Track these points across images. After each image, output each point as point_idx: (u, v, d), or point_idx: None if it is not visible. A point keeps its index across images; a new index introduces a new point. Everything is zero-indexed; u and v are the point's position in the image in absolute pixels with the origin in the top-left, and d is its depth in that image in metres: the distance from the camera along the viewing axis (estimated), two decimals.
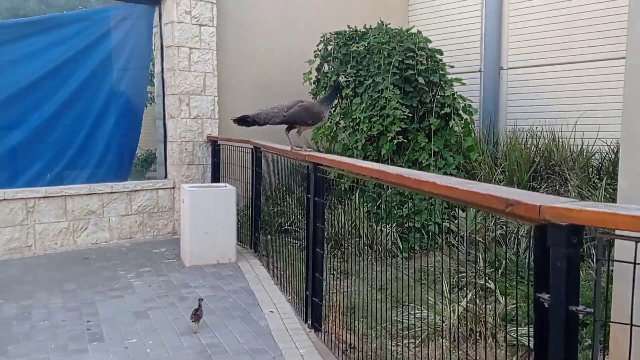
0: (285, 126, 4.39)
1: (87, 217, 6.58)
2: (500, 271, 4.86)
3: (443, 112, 6.39)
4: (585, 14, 7.30)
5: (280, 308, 4.42)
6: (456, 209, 6.06)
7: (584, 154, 6.36)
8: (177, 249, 6.28)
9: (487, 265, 5.03)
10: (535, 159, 6.50)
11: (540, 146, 6.75)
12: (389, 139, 6.39)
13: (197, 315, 3.94)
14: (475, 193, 1.88)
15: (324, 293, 3.94)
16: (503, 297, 4.46)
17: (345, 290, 4.70)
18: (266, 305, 4.48)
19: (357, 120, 6.67)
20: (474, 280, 4.80)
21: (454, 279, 4.90)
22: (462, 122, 6.51)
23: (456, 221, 5.89)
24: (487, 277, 4.80)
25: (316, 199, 3.78)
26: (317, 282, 3.83)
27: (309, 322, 3.96)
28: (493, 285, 4.65)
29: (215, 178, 7.15)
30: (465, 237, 5.28)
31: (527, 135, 7.13)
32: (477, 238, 5.24)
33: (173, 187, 7.12)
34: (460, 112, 6.58)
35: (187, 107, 7.01)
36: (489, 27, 8.30)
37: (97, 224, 6.67)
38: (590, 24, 7.25)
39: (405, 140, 6.47)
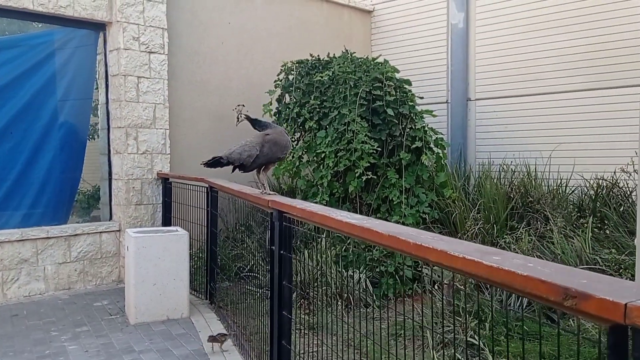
0: None
1: (18, 266, 5.80)
2: (487, 324, 4.37)
3: (414, 146, 5.96)
4: (553, 44, 7.09)
5: None
6: None
7: (563, 189, 6.02)
8: (121, 301, 5.56)
9: (470, 317, 4.54)
10: (511, 195, 6.13)
11: (514, 181, 6.39)
12: (357, 175, 5.91)
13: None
14: (511, 274, 1.37)
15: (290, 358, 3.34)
16: (492, 356, 3.96)
17: (315, 350, 4.11)
18: None
19: (322, 155, 6.17)
20: (458, 335, 4.29)
21: (435, 334, 4.38)
22: (434, 156, 6.09)
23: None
24: (472, 332, 4.31)
25: (282, 252, 3.21)
26: (284, 352, 3.23)
27: None
28: (479, 342, 4.16)
29: (167, 219, 6.48)
30: (451, 285, 4.79)
31: (500, 169, 6.78)
32: (458, 285, 4.75)
33: (119, 230, 6.41)
34: (432, 145, 6.17)
35: (135, 141, 6.37)
36: (455, 57, 8.02)
37: (31, 274, 5.88)
38: (559, 54, 7.03)
39: (375, 177, 5.99)
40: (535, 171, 6.36)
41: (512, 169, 6.59)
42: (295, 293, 5.39)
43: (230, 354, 4.21)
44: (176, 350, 4.31)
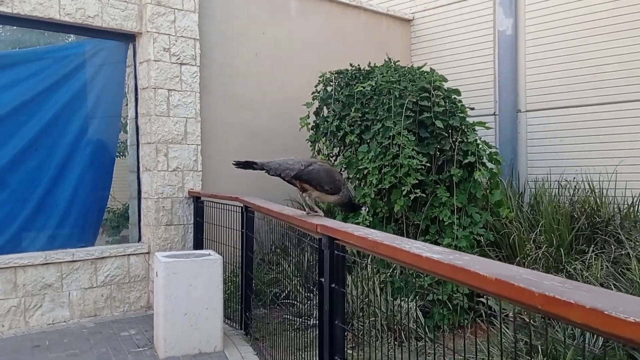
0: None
1: (42, 291, 5.44)
2: None
3: (466, 161, 5.44)
4: (614, 50, 6.51)
5: None
6: None
7: (636, 208, 5.42)
8: (150, 330, 5.14)
9: (538, 356, 3.98)
10: (574, 215, 5.54)
11: (577, 200, 5.80)
12: (403, 193, 5.41)
13: None
14: None
15: None
16: None
17: None
18: None
19: (365, 172, 5.69)
20: None
21: None
22: (488, 172, 5.55)
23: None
24: None
25: (333, 285, 2.74)
26: None
27: None
28: None
29: (198, 240, 6.07)
30: (513, 319, 4.23)
31: (557, 186, 6.19)
32: (525, 318, 4.19)
33: (148, 252, 6.02)
34: (485, 160, 5.64)
35: (165, 157, 6.00)
36: (503, 66, 7.50)
37: (55, 300, 5.52)
38: (621, 60, 6.45)
39: (423, 195, 5.48)
40: (600, 188, 5.75)
41: (572, 186, 6.00)
42: None
43: None
44: None
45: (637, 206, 5.48)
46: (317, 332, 4.57)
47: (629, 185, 5.85)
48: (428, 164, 5.48)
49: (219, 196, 5.66)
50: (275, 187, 6.79)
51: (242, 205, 5.18)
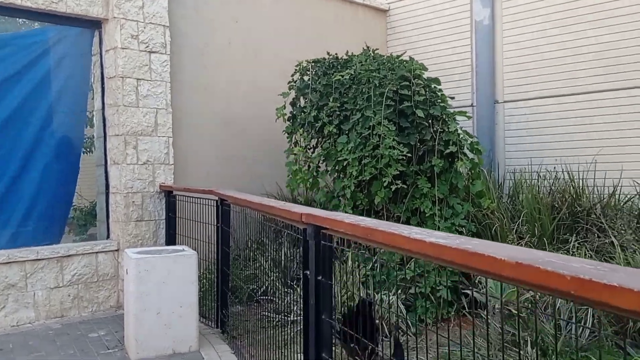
0: None
1: (5, 292, 5.13)
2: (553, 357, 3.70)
3: (447, 151, 5.32)
4: (591, 39, 6.48)
5: None
6: None
7: (617, 198, 5.37)
8: (120, 330, 4.89)
9: (526, 347, 3.87)
10: (555, 204, 5.48)
11: (557, 189, 5.74)
12: (384, 184, 5.26)
13: None
14: None
15: None
16: None
17: None
18: None
19: (344, 163, 5.52)
20: None
21: None
22: (469, 162, 5.44)
23: (481, 286, 4.73)
24: None
25: (320, 278, 2.56)
26: None
27: None
28: None
29: (171, 237, 5.82)
30: (500, 309, 4.12)
31: (536, 176, 6.13)
32: (512, 310, 4.08)
33: (117, 250, 5.74)
34: (466, 150, 5.53)
35: (135, 150, 5.73)
36: (480, 57, 7.42)
37: (19, 301, 5.21)
38: (598, 50, 6.42)
39: (404, 186, 5.34)
40: (580, 178, 5.70)
41: (552, 176, 5.94)
42: None
43: None
44: None
45: (618, 195, 5.43)
46: (297, 329, 4.39)
47: (609, 175, 5.82)
48: (409, 154, 5.35)
49: (192, 189, 5.43)
50: (252, 179, 6.60)
51: (217, 198, 4.96)
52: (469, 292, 4.85)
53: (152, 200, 5.83)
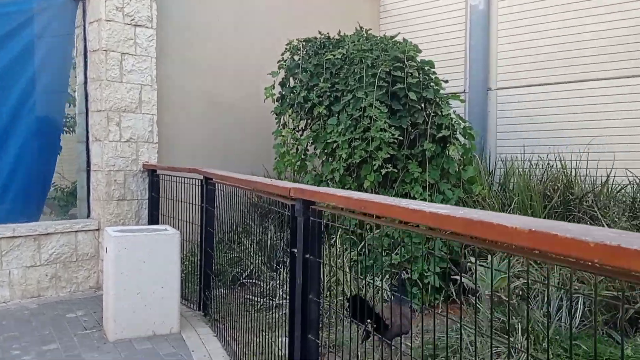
0: None
1: None
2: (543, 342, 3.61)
3: (440, 135, 5.20)
4: (588, 27, 6.38)
5: None
6: (466, 254, 4.84)
7: (610, 187, 5.29)
8: (99, 311, 4.72)
9: (516, 335, 3.78)
10: (547, 193, 5.39)
11: (549, 177, 5.66)
12: (374, 168, 5.13)
13: None
14: None
15: None
16: None
17: None
18: None
19: (334, 145, 5.38)
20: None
21: (483, 358, 3.61)
22: (462, 148, 5.33)
23: (470, 273, 4.63)
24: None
25: (308, 256, 2.42)
26: None
27: None
28: None
29: (154, 217, 5.66)
30: (490, 296, 4.02)
31: (528, 164, 6.03)
32: (502, 296, 3.99)
33: (98, 229, 5.57)
34: (459, 135, 5.42)
35: (118, 127, 5.53)
36: (474, 42, 7.29)
37: None
38: (595, 37, 6.32)
39: (395, 170, 5.22)
40: (574, 167, 5.62)
41: (544, 164, 5.85)
42: None
43: None
44: None
45: (612, 184, 5.36)
46: (282, 312, 4.27)
47: (601, 165, 5.74)
48: (400, 138, 5.22)
49: (176, 169, 5.26)
50: (239, 162, 6.43)
51: (201, 177, 4.80)
52: (457, 278, 4.75)
53: (134, 179, 5.65)
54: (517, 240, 1.19)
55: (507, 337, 3.75)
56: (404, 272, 4.44)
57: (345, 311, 3.52)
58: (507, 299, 3.97)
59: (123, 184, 5.59)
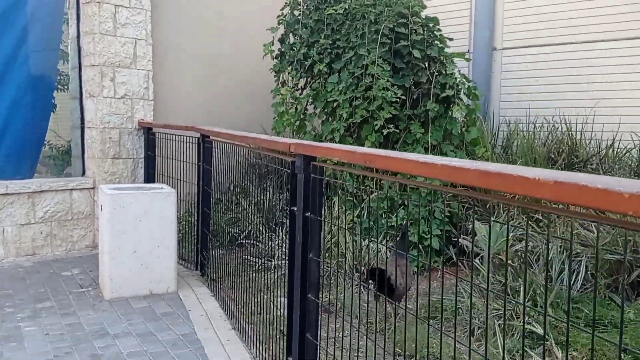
0: None
1: None
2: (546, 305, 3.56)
3: (444, 94, 5.06)
4: None
5: None
6: (469, 218, 4.77)
7: (616, 150, 5.19)
8: (95, 270, 4.67)
9: (517, 298, 3.73)
10: (552, 156, 5.29)
11: (553, 140, 5.55)
12: (375, 128, 5.01)
13: None
14: None
15: (318, 358, 2.49)
16: (559, 349, 3.17)
17: (334, 336, 3.29)
18: None
19: (334, 104, 5.25)
20: (508, 318, 3.48)
21: (478, 319, 3.57)
22: (466, 108, 5.19)
23: (470, 235, 4.57)
24: (528, 317, 3.50)
25: (308, 214, 2.33)
26: (309, 348, 2.38)
27: None
28: (540, 330, 3.36)
29: (150, 176, 5.56)
30: (487, 258, 3.96)
31: (533, 127, 5.91)
32: (503, 259, 3.93)
33: (93, 188, 5.47)
34: (462, 96, 5.27)
35: (112, 82, 5.38)
36: (479, 1, 7.05)
37: None
38: None
39: (397, 131, 5.09)
40: (579, 130, 5.50)
41: (549, 127, 5.73)
42: None
43: (230, 342, 3.36)
44: (161, 334, 3.45)
45: (617, 146, 5.25)
46: (280, 273, 4.22)
47: (606, 128, 5.62)
48: (403, 97, 5.08)
49: (172, 126, 5.13)
50: (236, 121, 6.29)
51: (198, 135, 4.67)
52: (460, 241, 4.69)
53: (130, 137, 5.53)
54: (540, 193, 1.09)
55: (509, 298, 3.70)
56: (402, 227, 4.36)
57: (362, 281, 3.54)
58: (507, 262, 3.91)
59: (118, 142, 5.47)
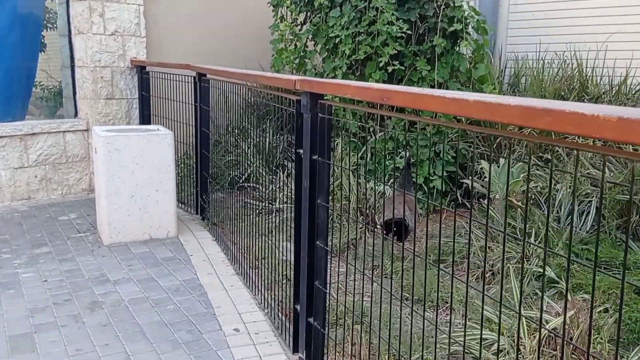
0: None
1: None
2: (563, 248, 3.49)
3: (451, 29, 4.81)
4: None
5: (249, 321, 2.87)
6: (476, 158, 4.63)
7: (627, 85, 5.00)
8: (93, 214, 4.56)
9: (529, 240, 3.65)
10: (562, 93, 5.10)
11: (565, 76, 5.34)
12: (379, 65, 4.79)
13: None
14: None
15: (327, 306, 2.40)
16: (571, 294, 3.10)
17: (341, 281, 3.23)
18: (227, 317, 2.92)
19: (336, 40, 4.99)
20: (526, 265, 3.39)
21: (492, 263, 3.49)
22: (474, 43, 4.95)
23: (476, 176, 4.45)
24: (537, 259, 3.43)
25: (315, 157, 2.18)
26: (319, 296, 2.29)
27: (302, 354, 2.44)
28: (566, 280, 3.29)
29: (145, 117, 5.36)
30: (504, 201, 3.85)
31: (542, 63, 5.68)
32: (514, 200, 3.81)
33: (86, 130, 5.29)
34: (471, 30, 5.02)
35: (101, 18, 5.09)
36: None
37: None
38: None
39: (402, 67, 4.87)
40: (587, 67, 5.28)
41: (559, 62, 5.50)
42: None
43: (234, 287, 3.28)
44: (162, 280, 3.37)
45: (630, 83, 5.05)
46: (283, 217, 4.12)
47: (617, 64, 5.39)
48: (409, 32, 4.83)
49: (167, 65, 4.89)
50: (233, 59, 6.02)
51: (194, 74, 4.45)
52: (467, 182, 4.57)
53: (123, 76, 5.30)
54: (600, 133, 0.93)
55: (519, 241, 3.62)
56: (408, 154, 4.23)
57: (380, 232, 3.50)
58: (519, 202, 3.81)
59: (110, 82, 5.24)
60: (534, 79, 5.08)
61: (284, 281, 3.06)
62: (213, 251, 3.88)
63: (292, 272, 2.54)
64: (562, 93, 5.11)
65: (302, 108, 2.21)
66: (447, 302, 3.08)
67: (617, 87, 4.99)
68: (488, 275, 3.43)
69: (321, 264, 2.23)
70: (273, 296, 2.99)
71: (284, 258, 3.24)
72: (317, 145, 2.17)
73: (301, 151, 2.28)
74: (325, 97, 2.15)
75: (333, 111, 2.17)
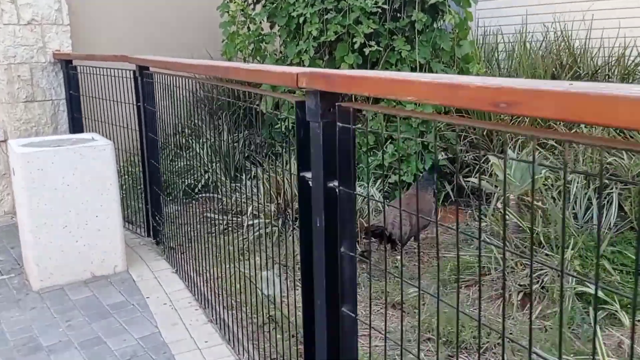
0: None
1: None
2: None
3: (432, 1, 4.17)
4: None
5: None
6: (468, 151, 4.05)
7: (621, 59, 4.53)
8: (18, 246, 3.68)
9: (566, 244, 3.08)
10: (554, 71, 4.59)
11: (551, 51, 4.83)
12: (354, 46, 4.11)
13: None
14: None
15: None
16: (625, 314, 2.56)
17: None
18: None
19: (300, 20, 4.27)
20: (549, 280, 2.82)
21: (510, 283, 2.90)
22: (457, 17, 4.34)
23: (468, 170, 3.85)
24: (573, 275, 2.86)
25: (333, 185, 1.49)
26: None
27: None
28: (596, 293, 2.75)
29: (76, 122, 4.49)
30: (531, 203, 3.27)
31: (524, 36, 5.16)
32: (525, 198, 3.24)
33: (4, 140, 4.36)
34: (452, 3, 4.41)
35: (13, 5, 4.17)
36: None
37: None
38: None
39: (379, 48, 4.21)
40: (581, 38, 4.80)
41: (541, 36, 4.99)
42: (278, 216, 3.78)
43: (209, 343, 2.54)
44: (113, 340, 2.59)
45: (630, 54, 4.57)
46: (255, 234, 3.42)
47: (605, 34, 4.93)
48: (384, 6, 4.16)
49: (98, 57, 4.04)
50: (177, 48, 5.19)
51: (134, 67, 3.63)
52: (474, 180, 3.98)
53: (44, 73, 4.39)
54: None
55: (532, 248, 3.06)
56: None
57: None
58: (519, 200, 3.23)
59: (30, 81, 4.33)
60: (522, 55, 4.53)
61: (272, 327, 2.36)
62: (175, 288, 3.12)
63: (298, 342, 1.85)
64: (555, 71, 4.60)
65: (309, 114, 1.50)
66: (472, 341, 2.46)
67: (614, 61, 4.51)
68: (510, 298, 2.85)
69: (349, 340, 1.55)
70: (259, 351, 2.29)
71: (265, 293, 2.54)
72: (335, 168, 1.48)
73: (308, 175, 1.59)
74: (343, 98, 1.46)
75: (355, 118, 1.47)
